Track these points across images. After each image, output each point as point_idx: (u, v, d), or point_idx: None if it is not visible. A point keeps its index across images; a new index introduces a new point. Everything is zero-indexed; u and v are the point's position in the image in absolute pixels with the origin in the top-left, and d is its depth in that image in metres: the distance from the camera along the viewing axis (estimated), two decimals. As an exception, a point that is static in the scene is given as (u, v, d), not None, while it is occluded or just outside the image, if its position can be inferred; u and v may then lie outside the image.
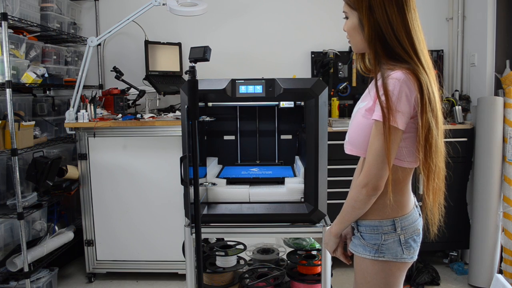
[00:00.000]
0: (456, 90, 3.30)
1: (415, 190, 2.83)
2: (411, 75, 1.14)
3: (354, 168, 1.39)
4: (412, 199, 1.30)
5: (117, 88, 3.18)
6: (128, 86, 3.19)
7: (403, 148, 1.19)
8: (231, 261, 2.10)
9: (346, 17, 1.26)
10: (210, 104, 2.05)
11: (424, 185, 1.24)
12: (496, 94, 2.88)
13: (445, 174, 1.25)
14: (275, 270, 2.15)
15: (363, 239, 1.27)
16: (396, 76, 1.13)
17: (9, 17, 2.37)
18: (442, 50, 3.43)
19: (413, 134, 1.19)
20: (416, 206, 1.31)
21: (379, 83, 1.15)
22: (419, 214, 1.31)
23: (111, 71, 3.18)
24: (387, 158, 1.13)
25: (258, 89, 1.77)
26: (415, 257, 1.27)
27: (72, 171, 2.90)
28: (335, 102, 3.32)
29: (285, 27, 3.50)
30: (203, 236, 1.85)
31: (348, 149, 1.28)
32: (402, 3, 1.17)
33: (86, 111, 2.86)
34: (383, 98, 1.12)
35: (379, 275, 1.24)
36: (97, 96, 3.06)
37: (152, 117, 2.96)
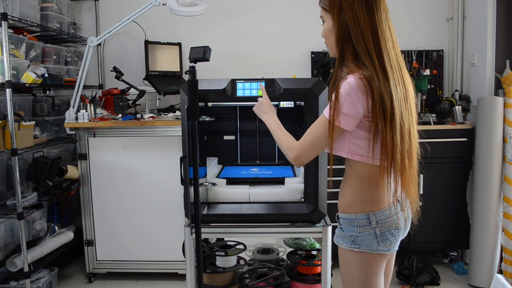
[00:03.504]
0: (456, 90, 3.30)
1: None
2: (364, 81, 1.19)
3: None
4: (390, 196, 1.32)
5: (117, 88, 3.18)
6: (128, 86, 3.19)
7: (366, 147, 1.25)
8: (231, 261, 2.10)
9: (324, 22, 1.34)
10: (210, 104, 2.05)
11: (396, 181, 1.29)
12: (496, 94, 2.88)
13: (417, 171, 1.32)
14: (275, 270, 2.15)
15: (342, 230, 1.35)
16: (349, 80, 1.21)
17: (9, 17, 2.37)
18: (442, 50, 3.43)
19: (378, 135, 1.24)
20: (398, 201, 1.34)
21: (335, 84, 1.23)
22: (400, 210, 1.34)
23: (111, 71, 3.18)
24: (329, 149, 1.26)
25: (258, 89, 1.77)
26: (393, 250, 1.33)
27: (72, 171, 2.90)
28: (335, 102, 3.32)
29: (285, 27, 3.50)
30: (203, 236, 1.85)
31: (332, 150, 1.33)
32: (371, 4, 1.23)
33: (86, 111, 2.86)
34: (333, 98, 1.22)
35: (358, 265, 1.31)
36: (97, 96, 3.06)
37: (152, 117, 2.96)
